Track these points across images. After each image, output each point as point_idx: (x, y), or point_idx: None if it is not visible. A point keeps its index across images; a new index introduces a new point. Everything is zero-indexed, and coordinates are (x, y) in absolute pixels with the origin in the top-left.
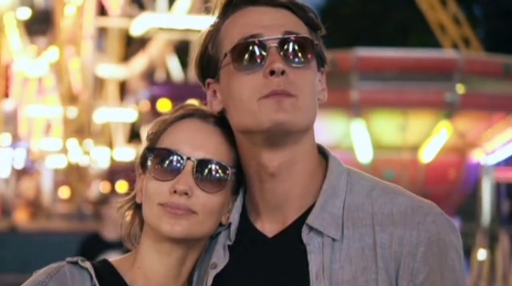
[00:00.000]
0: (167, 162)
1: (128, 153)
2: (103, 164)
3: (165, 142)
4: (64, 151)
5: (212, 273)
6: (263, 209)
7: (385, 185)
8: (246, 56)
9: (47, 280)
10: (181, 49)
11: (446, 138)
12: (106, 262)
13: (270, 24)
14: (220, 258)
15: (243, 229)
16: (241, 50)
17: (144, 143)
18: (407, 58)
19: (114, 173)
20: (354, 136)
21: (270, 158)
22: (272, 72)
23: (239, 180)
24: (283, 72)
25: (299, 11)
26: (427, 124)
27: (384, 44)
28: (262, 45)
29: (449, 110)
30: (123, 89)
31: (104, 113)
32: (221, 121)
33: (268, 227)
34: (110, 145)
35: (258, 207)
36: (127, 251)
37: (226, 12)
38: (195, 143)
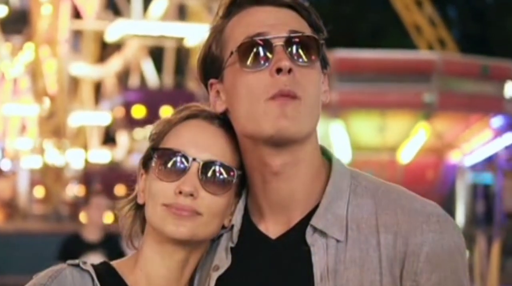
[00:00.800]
0: (172, 162)
1: (103, 155)
2: (78, 165)
3: (170, 143)
4: (40, 151)
5: (214, 275)
6: (267, 210)
7: (388, 186)
8: (252, 54)
9: (49, 282)
10: (156, 54)
11: (425, 139)
12: (107, 264)
13: (276, 23)
14: (222, 260)
15: (245, 231)
16: (247, 48)
17: (146, 143)
18: (386, 60)
19: (88, 175)
20: (333, 137)
21: (274, 156)
22: (279, 70)
23: (242, 182)
24: (290, 71)
25: (303, 12)
26: (405, 125)
27: (359, 46)
28: (268, 44)
29: (428, 111)
30: (98, 91)
31: (79, 117)
32: (225, 122)
33: (272, 228)
34: (85, 147)
35: (261, 208)
36: (107, 252)
37: (230, 12)
38: (201, 144)
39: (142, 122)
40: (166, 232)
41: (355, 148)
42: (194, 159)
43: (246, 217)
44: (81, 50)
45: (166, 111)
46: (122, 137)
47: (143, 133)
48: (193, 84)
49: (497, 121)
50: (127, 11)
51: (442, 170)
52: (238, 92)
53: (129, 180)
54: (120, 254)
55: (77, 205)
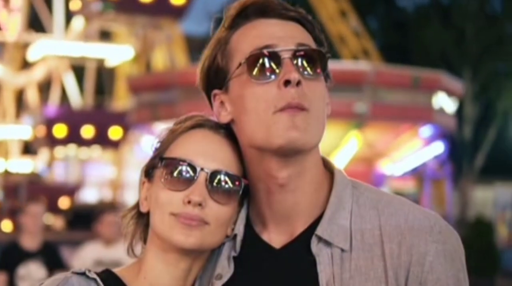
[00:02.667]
0: (179, 171)
1: (23, 165)
2: None
3: (176, 152)
4: None
5: (218, 284)
6: (270, 220)
7: (390, 197)
8: (261, 66)
9: None
10: (78, 71)
11: (356, 149)
12: (110, 272)
13: (283, 35)
14: (225, 269)
15: (248, 240)
16: (255, 60)
17: (149, 153)
18: None
19: (8, 185)
20: None
21: (280, 168)
22: (287, 83)
23: (245, 191)
24: (298, 83)
25: (308, 25)
26: (337, 135)
27: None
28: (276, 56)
29: (359, 121)
30: (20, 101)
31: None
32: (229, 132)
33: (275, 238)
34: (6, 157)
35: (265, 218)
36: (46, 260)
37: (235, 24)
38: (208, 154)
39: (63, 141)
40: (174, 241)
41: None
42: (202, 169)
43: (248, 226)
44: (4, 58)
45: (87, 131)
46: (43, 154)
47: (64, 151)
48: (113, 104)
49: (426, 131)
50: (50, 27)
51: (372, 179)
52: (245, 104)
53: (50, 192)
54: (58, 262)
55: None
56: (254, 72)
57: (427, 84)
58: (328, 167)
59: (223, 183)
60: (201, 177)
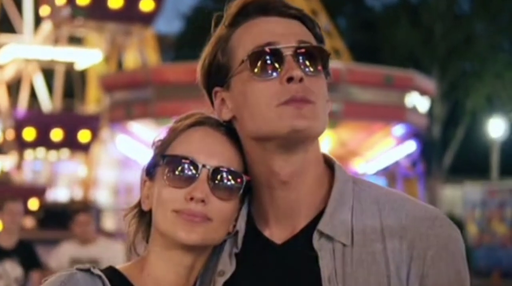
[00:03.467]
0: (181, 169)
1: None
2: None
3: (178, 149)
4: None
5: (220, 280)
6: (271, 217)
7: (390, 192)
8: (263, 63)
9: None
10: (47, 74)
11: (329, 147)
12: (114, 269)
13: (285, 32)
14: (227, 266)
15: (250, 237)
16: (257, 57)
17: (150, 151)
18: None
19: None
20: None
21: (283, 165)
22: (290, 79)
23: (246, 188)
24: (301, 80)
25: (309, 23)
26: None
27: None
28: (278, 53)
29: (332, 119)
30: None
31: None
32: (229, 130)
33: (276, 234)
34: None
35: (266, 214)
36: (22, 259)
37: (236, 21)
38: (209, 150)
39: (32, 144)
40: (178, 238)
41: None
42: (203, 165)
43: (250, 222)
44: None
45: (56, 134)
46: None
47: (34, 154)
48: (82, 107)
49: (398, 130)
50: (20, 29)
51: None
52: (247, 100)
53: (20, 193)
54: (34, 261)
55: None
56: (256, 69)
57: (400, 83)
58: (328, 163)
59: (225, 180)
60: (203, 174)
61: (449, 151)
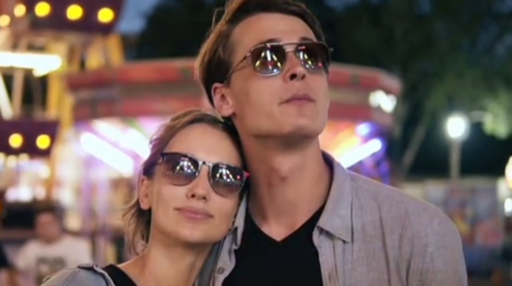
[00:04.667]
0: (181, 166)
1: None
2: None
3: (176, 147)
4: None
5: (220, 278)
6: (271, 213)
7: (389, 189)
8: (265, 60)
9: (65, 285)
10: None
11: None
12: (115, 268)
13: (286, 29)
14: (226, 263)
15: (249, 233)
16: (259, 53)
17: (147, 150)
18: None
19: None
20: None
21: (282, 161)
22: (293, 76)
23: (245, 184)
24: (303, 77)
25: (309, 20)
26: None
27: None
28: (280, 50)
29: None
30: None
31: None
32: (227, 126)
33: (275, 230)
34: None
35: (265, 211)
36: None
37: (236, 17)
38: (209, 147)
39: None
40: (180, 235)
41: None
42: (203, 162)
43: (248, 219)
44: None
45: (15, 140)
46: None
47: None
48: (41, 113)
49: (364, 129)
50: None
51: None
52: (249, 97)
53: None
54: (2, 260)
55: None
56: (258, 66)
57: (366, 83)
58: (327, 160)
59: (225, 176)
60: (204, 171)
61: (410, 150)
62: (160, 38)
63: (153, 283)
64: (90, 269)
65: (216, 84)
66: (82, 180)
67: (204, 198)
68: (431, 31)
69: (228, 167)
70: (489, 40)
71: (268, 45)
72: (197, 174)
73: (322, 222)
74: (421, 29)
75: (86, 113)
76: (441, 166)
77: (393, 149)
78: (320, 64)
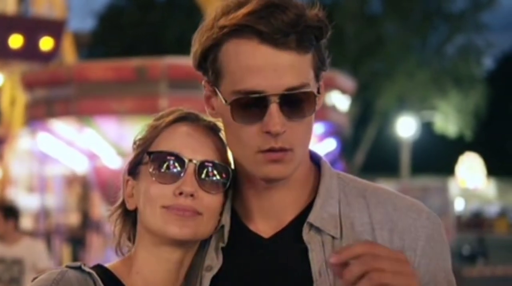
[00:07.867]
0: (167, 165)
1: None
2: None
3: (162, 146)
4: None
5: (208, 276)
6: (257, 211)
7: (374, 186)
8: (245, 110)
9: (54, 285)
10: None
11: None
12: (103, 268)
13: (273, 77)
14: (213, 261)
15: (236, 231)
16: (240, 104)
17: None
18: None
19: None
20: None
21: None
22: (269, 133)
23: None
24: (277, 134)
25: (306, 53)
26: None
27: (164, 53)
28: (263, 101)
29: None
30: None
31: None
32: (211, 124)
33: (262, 228)
34: None
35: (251, 210)
36: None
37: (232, 34)
38: (194, 145)
39: None
40: (169, 233)
41: None
42: (190, 160)
43: (235, 217)
44: None
45: None
46: None
47: None
48: None
49: (319, 128)
50: None
51: None
52: (229, 135)
53: None
54: None
55: None
56: (238, 116)
57: (323, 82)
58: (314, 158)
59: (211, 173)
60: (190, 168)
61: (361, 150)
62: (112, 37)
63: (141, 282)
64: (77, 268)
65: (206, 80)
66: (36, 178)
67: (191, 195)
68: (382, 31)
69: (214, 164)
70: (439, 40)
71: (250, 97)
72: (183, 172)
73: (312, 218)
74: (372, 29)
75: (41, 112)
76: (392, 165)
77: (345, 148)
78: (307, 112)
